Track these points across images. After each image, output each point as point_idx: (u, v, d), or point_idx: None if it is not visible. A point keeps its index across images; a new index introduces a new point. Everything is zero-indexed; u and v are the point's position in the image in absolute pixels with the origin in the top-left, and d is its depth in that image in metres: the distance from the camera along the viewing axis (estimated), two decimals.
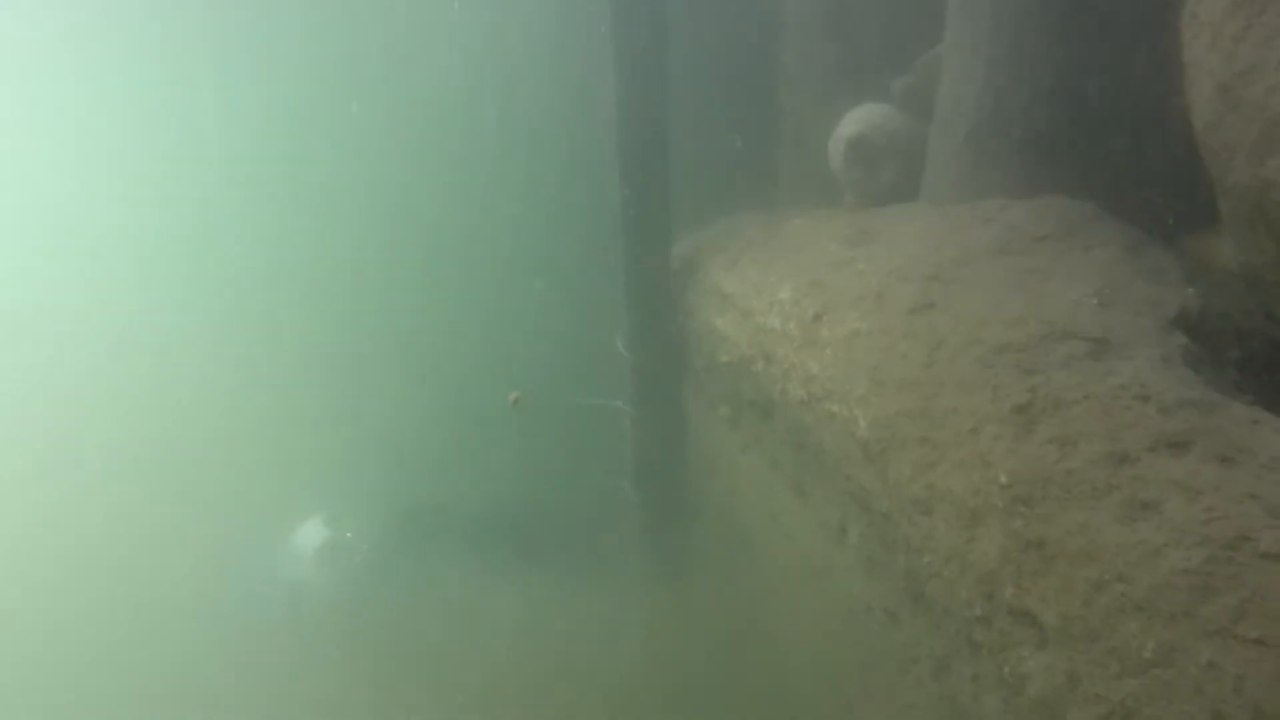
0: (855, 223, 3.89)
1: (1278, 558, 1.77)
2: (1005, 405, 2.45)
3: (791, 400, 3.36)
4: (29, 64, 6.77)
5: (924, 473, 2.52)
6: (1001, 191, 3.50)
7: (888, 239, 3.61)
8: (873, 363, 2.93)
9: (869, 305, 3.17)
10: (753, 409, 3.87)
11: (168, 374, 6.72)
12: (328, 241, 5.98)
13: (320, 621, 5.41)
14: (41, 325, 7.10)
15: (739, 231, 4.56)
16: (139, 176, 6.52)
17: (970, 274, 3.08)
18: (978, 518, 2.30)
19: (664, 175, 4.64)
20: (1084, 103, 3.40)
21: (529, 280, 5.36)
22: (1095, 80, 3.37)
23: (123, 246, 6.72)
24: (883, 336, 2.99)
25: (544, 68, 5.36)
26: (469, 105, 5.50)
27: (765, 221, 4.50)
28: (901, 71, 4.25)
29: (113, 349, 6.86)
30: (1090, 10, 3.33)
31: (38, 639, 5.25)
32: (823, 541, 3.27)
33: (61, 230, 7.03)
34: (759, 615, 3.90)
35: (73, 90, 6.68)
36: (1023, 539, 2.15)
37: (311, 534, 5.84)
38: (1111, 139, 3.35)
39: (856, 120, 4.15)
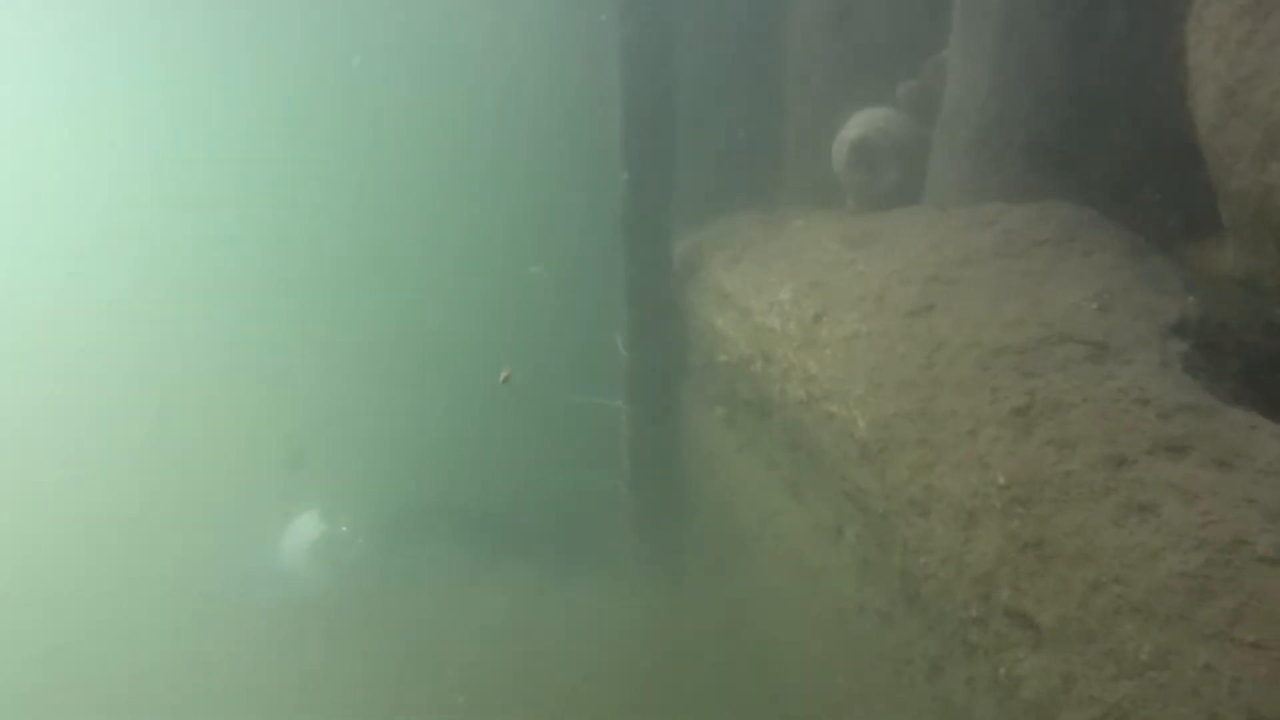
0: (857, 225, 3.89)
1: (1275, 562, 1.77)
2: (1004, 407, 2.45)
3: (790, 400, 3.36)
4: (28, 63, 6.75)
5: (922, 474, 2.51)
6: (1004, 196, 3.50)
7: (888, 241, 3.60)
8: (872, 364, 2.93)
9: (869, 306, 3.16)
10: (750, 409, 3.87)
11: (167, 370, 6.71)
12: (325, 239, 5.98)
13: (314, 613, 5.39)
14: (54, 320, 7.08)
15: (740, 232, 4.56)
16: (138, 174, 6.50)
17: (970, 277, 3.08)
18: (975, 519, 2.29)
19: (667, 175, 4.64)
20: (1087, 109, 3.40)
21: (527, 268, 5.35)
22: (1099, 86, 3.37)
23: (125, 243, 6.71)
24: (882, 338, 2.99)
25: (548, 67, 5.36)
26: (469, 103, 5.50)
27: (767, 222, 4.50)
28: (907, 75, 4.25)
29: (115, 346, 6.85)
30: (1095, 17, 3.33)
31: (34, 638, 5.21)
32: (818, 542, 3.27)
33: (70, 225, 7.02)
34: (752, 615, 3.89)
35: (71, 87, 6.66)
36: (1020, 540, 2.15)
37: (307, 528, 5.83)
38: (1114, 146, 3.35)
39: (860, 123, 4.15)
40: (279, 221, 6.09)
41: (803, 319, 3.41)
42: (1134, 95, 3.23)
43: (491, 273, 5.54)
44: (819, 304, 3.39)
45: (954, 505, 2.37)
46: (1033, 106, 3.46)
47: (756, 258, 4.17)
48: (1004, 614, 2.14)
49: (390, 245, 5.83)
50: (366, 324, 6.03)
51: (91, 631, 5.22)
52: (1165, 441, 2.15)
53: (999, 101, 3.54)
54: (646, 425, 4.85)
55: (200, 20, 6.03)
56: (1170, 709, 1.71)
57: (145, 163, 6.43)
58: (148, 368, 6.74)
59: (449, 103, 5.51)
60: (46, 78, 6.79)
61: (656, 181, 4.59)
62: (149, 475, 6.35)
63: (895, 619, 2.68)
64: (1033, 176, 3.45)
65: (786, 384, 3.38)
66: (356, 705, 4.58)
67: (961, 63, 3.72)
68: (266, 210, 6.12)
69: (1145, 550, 1.92)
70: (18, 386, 6.99)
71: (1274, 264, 2.36)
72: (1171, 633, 1.78)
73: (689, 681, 4.21)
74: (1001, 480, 2.27)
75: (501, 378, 4.03)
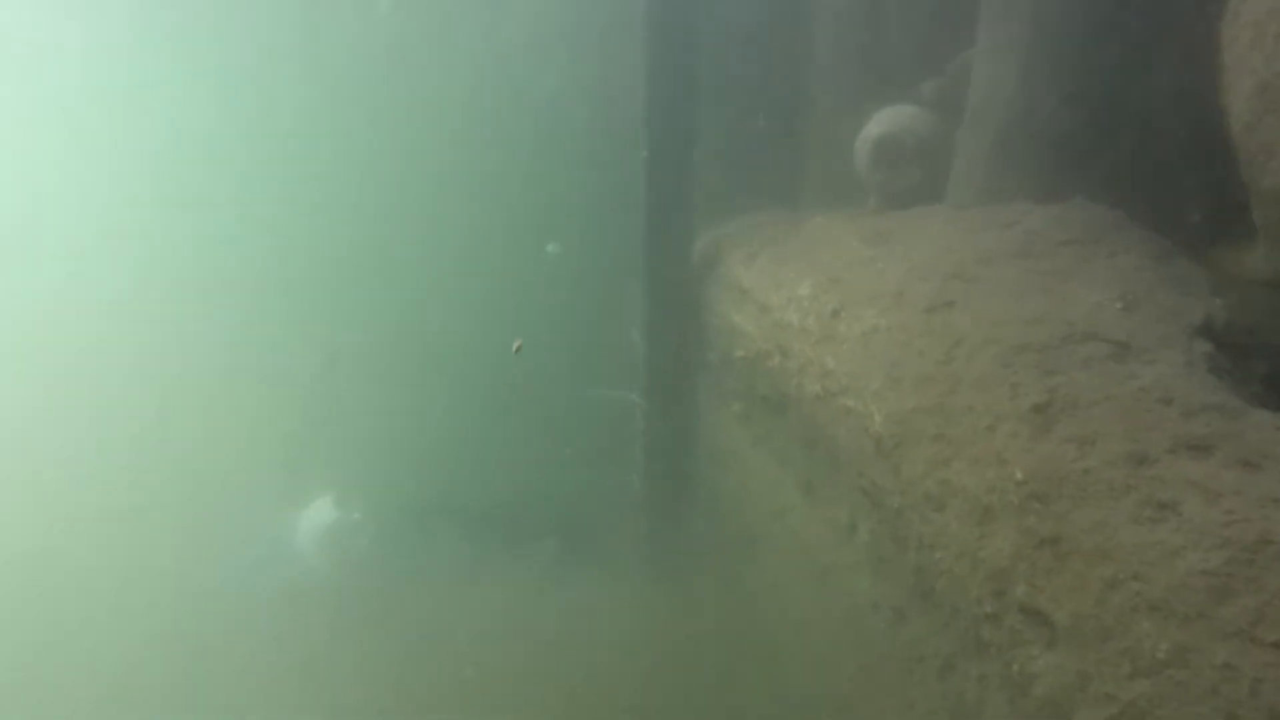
0: (878, 223, 3.86)
1: None
2: (1023, 404, 2.42)
3: (806, 395, 3.33)
4: (28, 63, 6.78)
5: (938, 469, 2.48)
6: (1029, 196, 3.47)
7: (909, 239, 3.57)
8: (890, 359, 2.90)
9: (888, 302, 3.14)
10: (765, 404, 3.84)
11: (167, 370, 6.72)
12: (335, 233, 5.95)
13: (317, 606, 5.39)
14: (53, 320, 7.10)
15: (760, 229, 4.54)
16: (140, 171, 6.50)
17: (992, 274, 3.04)
18: (991, 514, 2.26)
19: (688, 171, 4.62)
20: (1115, 109, 3.36)
21: (542, 247, 5.32)
22: (1127, 87, 3.33)
23: (129, 239, 6.71)
24: (901, 333, 2.96)
25: (572, 63, 5.36)
26: (490, 99, 5.49)
27: (786, 220, 4.48)
28: (933, 74, 4.22)
29: (115, 347, 6.86)
30: (1124, 16, 3.29)
31: (32, 634, 5.22)
32: (830, 539, 3.24)
33: (70, 225, 7.03)
34: (760, 613, 3.86)
35: (67, 83, 6.66)
36: (1037, 536, 2.11)
37: (319, 514, 5.85)
38: (1141, 147, 3.31)
39: (884, 120, 4.12)
40: (288, 213, 6.05)
41: (821, 314, 3.38)
42: (1162, 94, 3.19)
43: (511, 268, 5.53)
44: (838, 299, 3.36)
45: (970, 501, 2.34)
46: (1059, 105, 3.43)
47: (775, 254, 4.15)
48: (1019, 610, 2.11)
49: (401, 239, 5.82)
50: (373, 318, 6.00)
51: (91, 628, 5.23)
52: (1188, 440, 2.12)
53: (1025, 100, 3.51)
54: (661, 421, 4.84)
55: (201, 19, 6.02)
56: (1188, 708, 1.68)
57: (145, 163, 6.42)
58: (148, 368, 6.75)
59: (456, 95, 5.48)
60: (46, 77, 6.80)
61: (677, 175, 4.58)
62: (149, 475, 6.36)
63: (907, 616, 2.65)
64: (1058, 176, 3.42)
65: (803, 379, 3.35)
66: (356, 703, 4.56)
67: (987, 60, 3.70)
68: (273, 201, 6.08)
69: (1165, 548, 1.89)
70: (17, 387, 7.02)
71: None
72: (1191, 631, 1.74)
73: (692, 681, 4.18)
74: (1019, 476, 2.24)
75: (514, 348, 4.03)
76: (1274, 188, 2.26)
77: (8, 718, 4.67)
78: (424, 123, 5.56)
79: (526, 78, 5.38)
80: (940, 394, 2.64)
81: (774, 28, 4.84)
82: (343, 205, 5.83)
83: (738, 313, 4.16)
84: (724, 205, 4.90)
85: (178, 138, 6.16)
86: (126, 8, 6.16)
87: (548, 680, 4.45)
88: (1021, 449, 2.30)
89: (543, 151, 5.42)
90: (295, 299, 6.09)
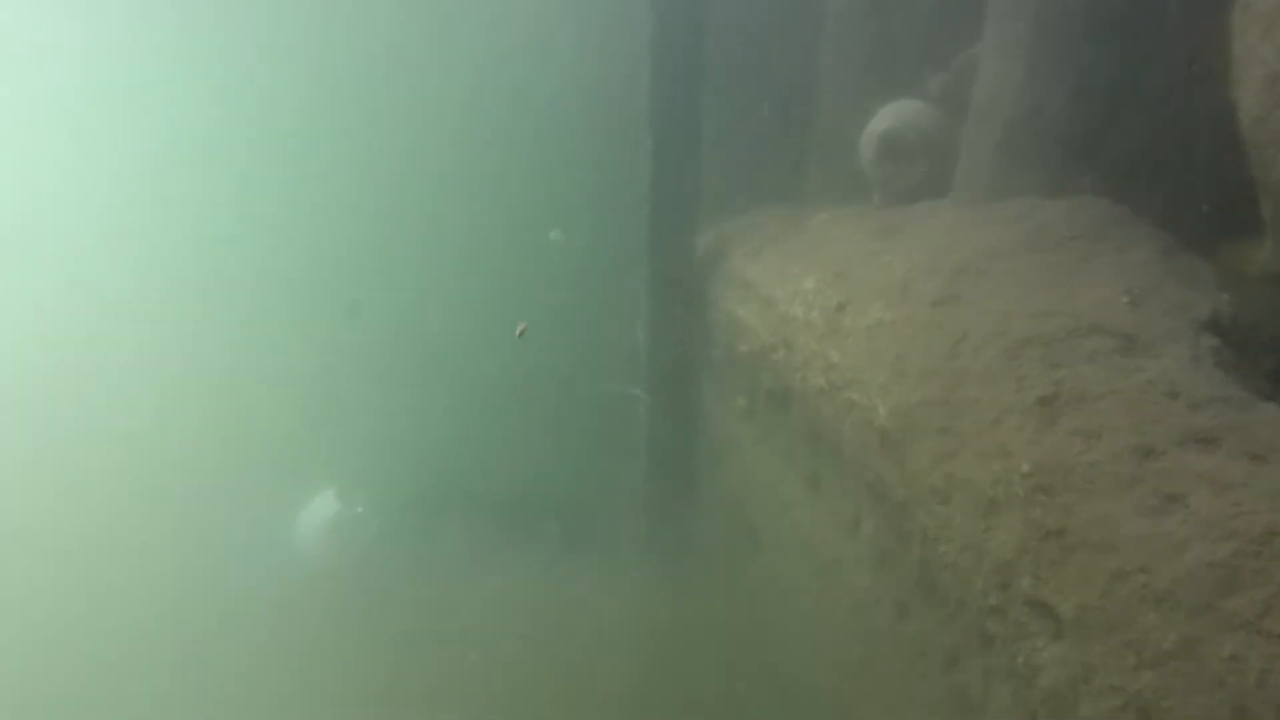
0: (883, 218, 3.86)
1: None
2: (1029, 396, 2.41)
3: (810, 389, 3.33)
4: (28, 62, 6.76)
5: (943, 461, 2.48)
6: (1035, 191, 3.45)
7: (915, 234, 3.57)
8: (895, 352, 2.90)
9: (893, 296, 3.13)
10: (770, 399, 3.84)
11: (177, 362, 6.71)
12: (335, 232, 5.94)
13: (318, 602, 5.38)
14: (54, 319, 7.09)
15: (765, 224, 4.54)
16: (140, 171, 6.49)
17: (998, 268, 3.04)
18: (996, 507, 2.26)
19: (693, 166, 4.62)
20: (1121, 105, 3.35)
21: (546, 234, 5.30)
22: (1134, 82, 3.32)
23: (129, 239, 6.69)
24: (906, 327, 2.96)
25: (575, 58, 5.35)
26: (495, 93, 5.49)
27: (792, 215, 4.47)
28: (938, 69, 4.21)
29: (119, 344, 6.85)
30: (1130, 10, 3.28)
31: (32, 633, 5.22)
32: (834, 533, 3.24)
33: (70, 225, 7.01)
34: (766, 606, 3.86)
35: (67, 83, 6.65)
36: (1042, 528, 2.11)
37: (323, 509, 5.85)
38: (1148, 142, 3.30)
39: (889, 115, 4.12)
40: (294, 207, 6.03)
41: (826, 308, 3.38)
42: (1170, 89, 3.18)
43: (515, 264, 5.53)
44: (843, 293, 3.36)
45: (975, 493, 2.33)
46: (1065, 100, 3.42)
47: (780, 249, 4.15)
48: (1024, 603, 2.10)
49: (404, 237, 5.80)
50: (375, 315, 5.99)
51: (93, 623, 5.23)
52: (1195, 433, 2.11)
53: (1032, 95, 3.50)
54: (665, 416, 4.84)
55: (201, 19, 6.00)
56: (1194, 699, 1.67)
57: (145, 163, 6.40)
58: (148, 366, 6.74)
59: (474, 90, 5.48)
60: (46, 77, 6.79)
61: (680, 171, 4.58)
62: (151, 471, 6.36)
63: (912, 610, 2.64)
64: (1064, 171, 3.41)
65: (808, 372, 3.35)
66: (360, 695, 4.56)
67: (994, 55, 3.69)
68: (280, 195, 6.07)
69: (1171, 540, 1.88)
70: (17, 387, 7.02)
71: None
72: (1197, 623, 1.74)
73: (697, 675, 4.18)
74: (1025, 468, 2.23)
75: (518, 332, 4.03)
76: None
77: (8, 718, 4.67)
78: (425, 121, 5.56)
79: (528, 75, 5.38)
80: (946, 387, 2.63)
81: (779, 23, 4.83)
82: (343, 205, 5.82)
83: (742, 307, 4.16)
84: (728, 201, 4.90)
85: (178, 138, 6.12)
86: (126, 8, 6.11)
87: (551, 674, 4.45)
88: (1027, 442, 2.30)
89: (545, 147, 5.42)
90: (295, 298, 6.09)
